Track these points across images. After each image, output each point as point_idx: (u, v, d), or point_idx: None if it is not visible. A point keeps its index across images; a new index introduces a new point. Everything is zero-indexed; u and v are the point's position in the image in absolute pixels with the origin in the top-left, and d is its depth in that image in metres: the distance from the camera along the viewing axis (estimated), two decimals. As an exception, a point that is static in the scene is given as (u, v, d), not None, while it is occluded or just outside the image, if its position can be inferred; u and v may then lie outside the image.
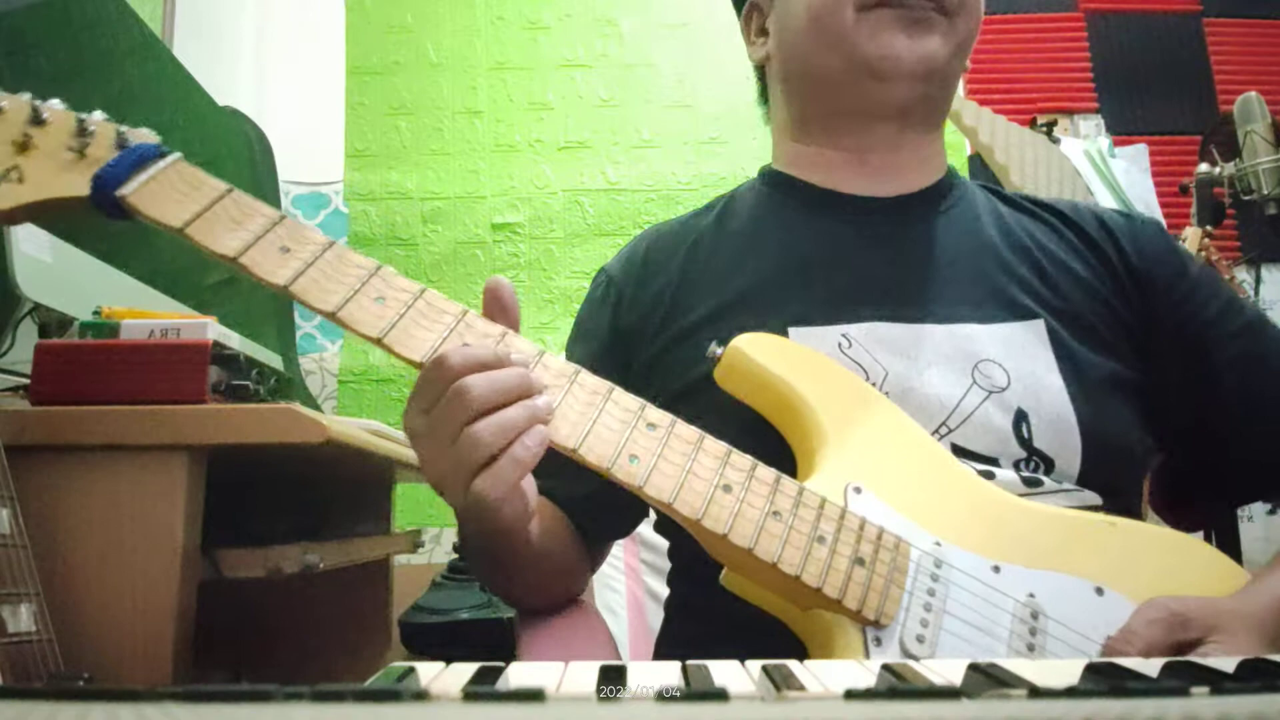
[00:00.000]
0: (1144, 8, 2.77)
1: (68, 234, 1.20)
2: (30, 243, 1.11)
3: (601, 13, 2.67)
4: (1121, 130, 2.66)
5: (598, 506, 0.76)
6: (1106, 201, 2.33)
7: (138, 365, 0.86)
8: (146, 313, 0.97)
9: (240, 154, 2.13)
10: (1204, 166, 2.13)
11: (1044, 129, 2.46)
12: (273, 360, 1.06)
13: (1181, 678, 0.34)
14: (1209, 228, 2.04)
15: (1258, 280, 2.36)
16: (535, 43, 2.66)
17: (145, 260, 1.42)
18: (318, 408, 2.09)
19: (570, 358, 0.84)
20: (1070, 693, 0.26)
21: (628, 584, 1.11)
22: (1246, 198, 2.08)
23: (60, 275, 1.17)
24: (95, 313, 0.95)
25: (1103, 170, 2.42)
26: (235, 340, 0.94)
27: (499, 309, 0.60)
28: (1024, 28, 2.75)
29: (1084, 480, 0.70)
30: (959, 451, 0.69)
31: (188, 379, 0.86)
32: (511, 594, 0.80)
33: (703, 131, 2.62)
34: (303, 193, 2.55)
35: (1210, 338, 0.78)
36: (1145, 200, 2.45)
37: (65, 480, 0.82)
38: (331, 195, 2.58)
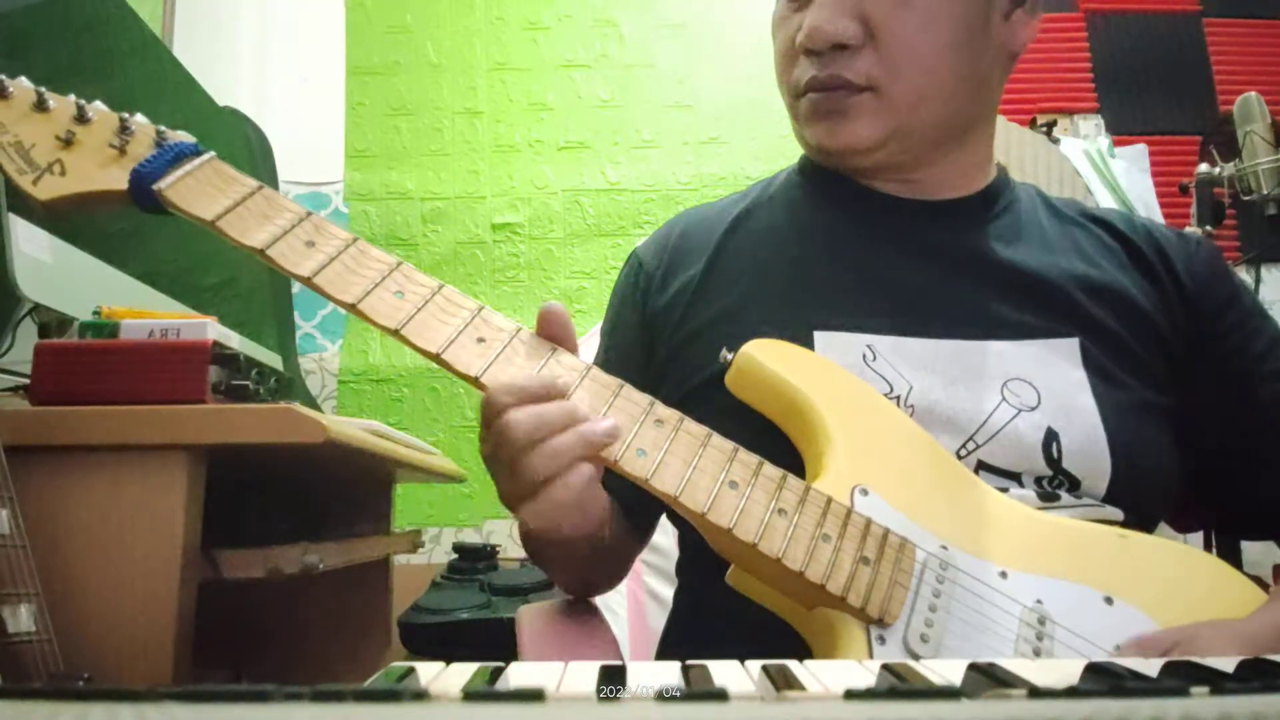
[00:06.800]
0: (1144, 8, 2.77)
1: (68, 234, 1.20)
2: (30, 243, 1.11)
3: (601, 13, 2.68)
4: (1121, 130, 2.66)
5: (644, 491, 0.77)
6: (1106, 201, 2.33)
7: (138, 365, 0.86)
8: (146, 313, 0.97)
9: (240, 154, 2.13)
10: (1204, 166, 2.13)
11: (1044, 129, 2.47)
12: (273, 360, 1.06)
13: (1181, 678, 0.34)
14: (1209, 228, 2.04)
15: (1258, 280, 2.36)
16: (535, 43, 2.66)
17: (145, 260, 1.42)
18: (318, 408, 2.09)
19: (602, 338, 0.87)
20: (1070, 693, 0.26)
21: (628, 584, 1.11)
22: (1246, 198, 2.08)
23: (60, 275, 1.17)
24: (95, 313, 0.95)
25: (1102, 170, 2.42)
26: (235, 340, 0.94)
27: (548, 335, 0.62)
28: (1024, 28, 2.74)
29: (1109, 501, 0.69)
30: (984, 467, 0.68)
31: (188, 379, 0.86)
32: (570, 586, 0.84)
33: (703, 131, 2.62)
34: (302, 193, 2.55)
35: (1254, 373, 0.76)
36: (1145, 200, 2.45)
37: (65, 480, 0.82)
38: (331, 195, 2.58)
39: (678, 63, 2.65)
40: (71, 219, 1.18)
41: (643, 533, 0.85)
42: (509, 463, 0.57)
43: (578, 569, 0.80)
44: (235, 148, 2.11)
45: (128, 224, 1.37)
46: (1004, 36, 0.76)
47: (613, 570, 0.85)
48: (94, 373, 0.86)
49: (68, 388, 0.86)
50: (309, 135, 2.57)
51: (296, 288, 2.35)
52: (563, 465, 0.56)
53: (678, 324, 0.79)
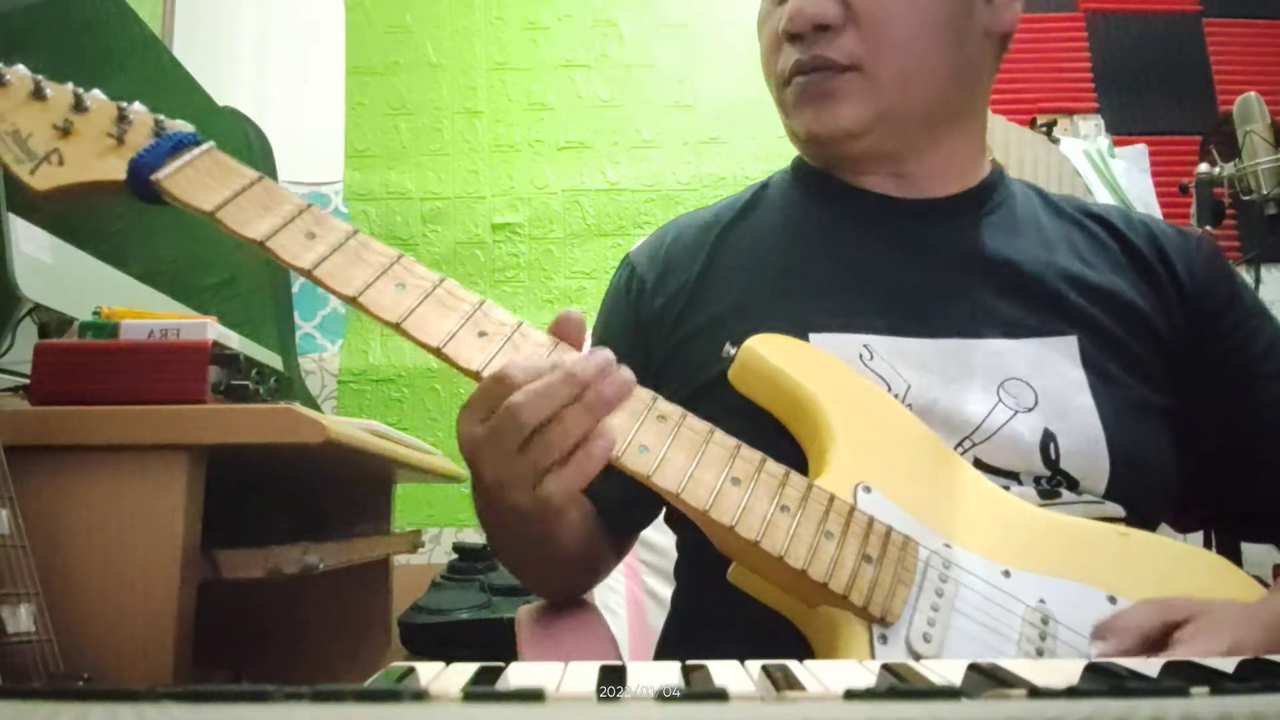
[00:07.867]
0: (1144, 8, 2.77)
1: (68, 234, 1.20)
2: (30, 243, 1.11)
3: (601, 13, 2.67)
4: (1121, 130, 2.66)
5: (627, 500, 0.76)
6: (1106, 201, 2.33)
7: (138, 365, 0.86)
8: (146, 313, 0.97)
9: (240, 154, 2.11)
10: (1204, 166, 2.13)
11: (1044, 129, 2.47)
12: (273, 360, 1.06)
13: (1181, 678, 0.34)
14: (1209, 228, 2.04)
15: (1257, 280, 2.36)
16: (535, 43, 2.66)
17: (145, 260, 1.42)
18: (318, 408, 2.09)
19: (593, 340, 0.86)
20: (1070, 693, 0.26)
21: (627, 584, 1.11)
22: (1246, 198, 2.08)
23: (60, 275, 1.16)
24: (95, 313, 0.95)
25: (1102, 170, 2.42)
26: (235, 340, 0.94)
27: (558, 334, 0.60)
28: (1024, 28, 2.71)
29: (1109, 500, 0.69)
30: (981, 466, 0.68)
31: (188, 379, 0.86)
32: (541, 586, 0.82)
33: (703, 131, 2.62)
34: (302, 193, 2.50)
35: (1254, 373, 0.76)
36: (1145, 200, 2.45)
37: (65, 480, 0.82)
38: (331, 195, 2.58)
39: (678, 63, 2.65)
40: (72, 217, 1.17)
41: (620, 540, 0.85)
42: (518, 441, 0.54)
43: (543, 568, 0.78)
44: (235, 147, 2.10)
45: (127, 223, 1.37)
46: (988, 18, 0.77)
47: (582, 576, 0.84)
48: (94, 373, 0.86)
49: (68, 388, 0.85)
50: (309, 135, 2.57)
51: (296, 288, 2.35)
52: (575, 442, 0.54)
53: (673, 326, 0.79)
